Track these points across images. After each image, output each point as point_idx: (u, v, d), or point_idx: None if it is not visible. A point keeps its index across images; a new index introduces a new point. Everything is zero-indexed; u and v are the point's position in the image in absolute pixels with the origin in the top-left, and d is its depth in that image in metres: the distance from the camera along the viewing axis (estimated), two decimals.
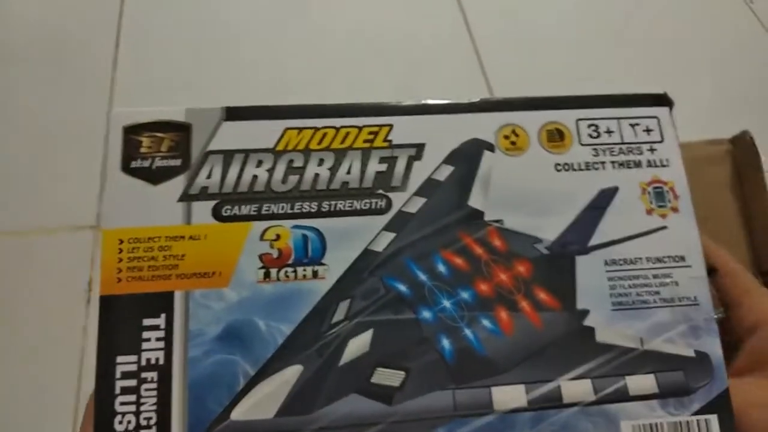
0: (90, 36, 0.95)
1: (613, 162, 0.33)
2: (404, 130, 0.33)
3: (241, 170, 0.32)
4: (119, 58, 0.92)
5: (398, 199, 0.32)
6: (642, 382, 0.29)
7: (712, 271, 0.31)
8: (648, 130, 0.34)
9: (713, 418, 0.29)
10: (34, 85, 0.88)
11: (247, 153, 0.32)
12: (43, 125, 0.85)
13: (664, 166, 0.33)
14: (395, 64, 0.96)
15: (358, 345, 0.30)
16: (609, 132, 0.34)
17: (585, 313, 0.30)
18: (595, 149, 0.33)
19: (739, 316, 0.31)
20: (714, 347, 0.30)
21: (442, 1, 1.06)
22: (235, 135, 0.33)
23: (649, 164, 0.33)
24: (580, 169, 0.33)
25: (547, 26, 1.05)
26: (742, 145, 0.42)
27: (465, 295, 0.30)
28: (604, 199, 0.32)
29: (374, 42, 0.98)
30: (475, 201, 0.32)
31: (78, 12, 0.97)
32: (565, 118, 0.34)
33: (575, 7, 1.08)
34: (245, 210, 0.31)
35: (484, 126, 0.33)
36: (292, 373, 0.29)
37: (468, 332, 0.30)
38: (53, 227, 0.73)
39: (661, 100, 0.34)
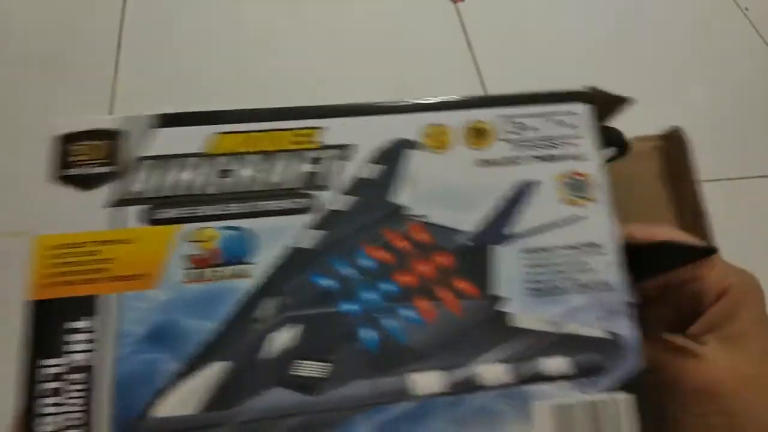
0: (91, 39, 0.96)
1: (532, 156, 0.34)
2: (333, 131, 0.34)
3: (173, 175, 0.33)
4: (120, 61, 0.93)
5: (327, 199, 0.33)
6: (557, 364, 0.30)
7: (712, 251, 0.31)
8: (567, 125, 0.35)
9: (624, 397, 0.30)
10: (36, 88, 0.89)
11: (178, 158, 0.33)
12: (43, 128, 0.85)
13: (582, 159, 0.34)
14: (392, 70, 0.97)
15: (283, 340, 0.30)
16: (529, 128, 0.35)
17: (503, 300, 0.31)
18: (515, 145, 0.34)
19: (705, 288, 0.32)
20: (627, 329, 0.31)
21: (441, 11, 1.07)
22: (168, 141, 0.34)
23: (568, 157, 0.34)
24: (501, 164, 0.34)
25: (545, 31, 1.07)
26: (675, 140, 0.44)
27: (389, 287, 0.31)
28: (523, 191, 0.33)
29: (371, 50, 0.99)
30: (400, 198, 0.33)
31: (79, 15, 0.99)
32: (487, 116, 0.35)
33: (573, 15, 1.09)
34: (175, 213, 0.32)
35: (410, 126, 0.35)
36: (216, 369, 0.30)
37: (391, 322, 0.31)
38: None
39: (582, 97, 0.35)
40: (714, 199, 0.86)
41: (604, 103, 0.36)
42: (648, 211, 0.42)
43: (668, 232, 0.33)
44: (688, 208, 0.41)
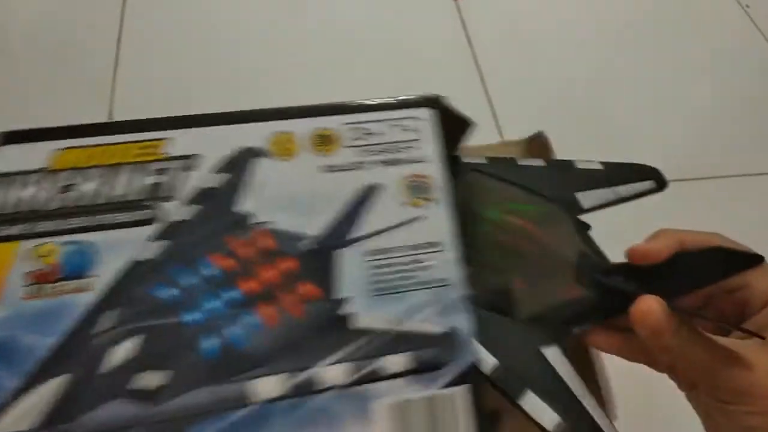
0: (91, 37, 0.93)
1: (377, 161, 0.35)
2: (180, 142, 0.34)
3: (13, 192, 0.33)
4: (120, 59, 0.90)
5: (170, 209, 0.33)
6: (396, 362, 0.31)
7: (761, 259, 0.30)
8: (411, 130, 0.36)
9: (460, 390, 0.31)
10: (36, 86, 0.86)
11: (19, 175, 0.33)
12: (46, 116, 0.82)
13: (424, 161, 0.35)
14: (393, 68, 0.96)
15: (123, 352, 0.30)
16: (375, 134, 0.36)
17: (346, 301, 0.32)
18: (360, 150, 0.35)
19: (753, 296, 0.32)
20: (464, 323, 0.32)
21: (441, 9, 1.07)
22: (10, 158, 0.33)
23: (411, 161, 0.35)
24: (346, 170, 0.35)
25: (546, 31, 1.07)
26: (537, 144, 0.45)
27: (232, 294, 0.32)
28: (367, 195, 0.34)
29: (372, 49, 0.98)
30: (246, 205, 0.34)
31: (80, 13, 0.96)
32: (333, 123, 0.36)
33: (574, 12, 1.09)
34: (15, 230, 0.32)
35: (257, 134, 0.35)
36: (55, 384, 0.30)
37: (233, 329, 0.31)
38: None
39: (426, 103, 0.37)
40: (717, 196, 0.88)
41: (451, 122, 0.37)
42: None
43: (718, 239, 0.33)
44: None
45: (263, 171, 0.34)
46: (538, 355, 0.32)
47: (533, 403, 0.30)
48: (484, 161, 0.39)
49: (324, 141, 0.35)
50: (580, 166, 0.40)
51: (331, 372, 0.31)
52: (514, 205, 0.37)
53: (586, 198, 0.38)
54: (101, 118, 0.82)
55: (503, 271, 0.35)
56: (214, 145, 0.34)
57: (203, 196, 0.33)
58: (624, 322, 0.31)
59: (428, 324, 0.32)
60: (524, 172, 0.39)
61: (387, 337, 0.32)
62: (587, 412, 0.31)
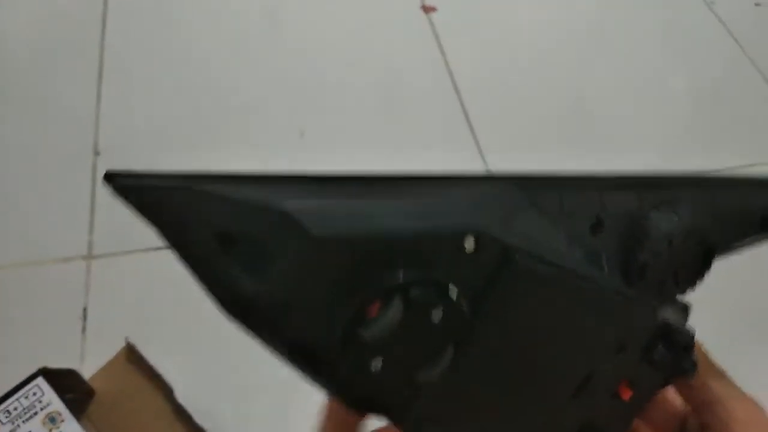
0: (73, 68, 0.95)
1: None
2: None
3: None
4: (103, 89, 0.92)
5: None
6: None
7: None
8: None
9: None
10: (17, 118, 0.88)
11: None
12: (30, 157, 0.83)
13: None
14: (372, 85, 0.96)
15: None
16: None
17: None
18: None
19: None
20: None
21: (414, 22, 1.07)
22: None
23: None
24: None
25: (519, 37, 1.07)
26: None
27: None
28: None
29: (352, 64, 0.98)
30: None
31: (61, 41, 0.97)
32: None
33: (545, 22, 1.10)
34: None
35: None
36: None
37: None
38: (44, 259, 0.74)
39: None
40: None
41: None
42: None
43: None
44: None
45: None
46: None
47: None
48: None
49: None
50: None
51: None
52: None
53: None
54: (88, 146, 0.83)
55: None
56: None
57: None
58: None
59: None
60: None
61: None
62: None
